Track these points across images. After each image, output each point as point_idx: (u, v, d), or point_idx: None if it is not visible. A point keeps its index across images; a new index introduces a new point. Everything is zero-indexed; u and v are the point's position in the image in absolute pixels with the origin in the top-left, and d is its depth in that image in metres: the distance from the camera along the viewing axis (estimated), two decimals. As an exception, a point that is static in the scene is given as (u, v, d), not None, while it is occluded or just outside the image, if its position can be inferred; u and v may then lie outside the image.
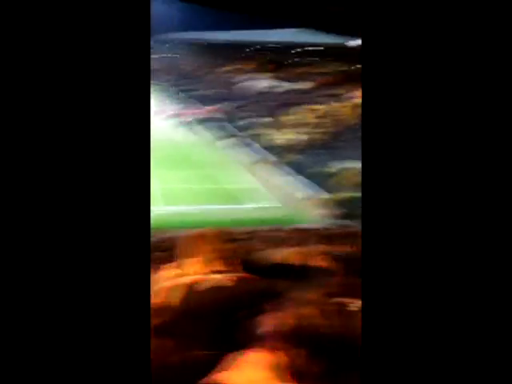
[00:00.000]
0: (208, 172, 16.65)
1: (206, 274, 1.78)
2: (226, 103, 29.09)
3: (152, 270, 2.18)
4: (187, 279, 1.76)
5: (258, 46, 27.29)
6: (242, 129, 22.97)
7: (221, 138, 23.16)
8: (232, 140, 22.22)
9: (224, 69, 41.12)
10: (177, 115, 28.50)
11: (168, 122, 26.35)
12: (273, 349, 1.06)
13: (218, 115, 27.12)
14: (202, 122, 26.92)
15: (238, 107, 27.23)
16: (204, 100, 32.93)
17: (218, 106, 29.17)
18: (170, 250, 3.33)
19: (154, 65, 52.22)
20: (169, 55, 48.01)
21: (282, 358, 1.02)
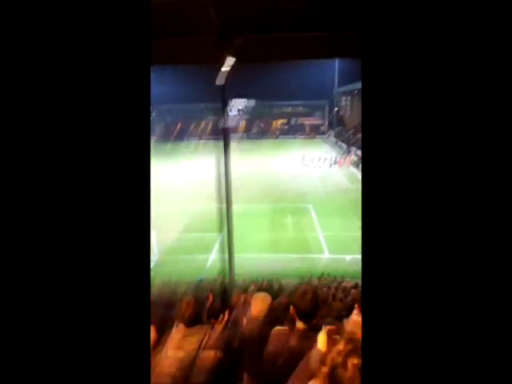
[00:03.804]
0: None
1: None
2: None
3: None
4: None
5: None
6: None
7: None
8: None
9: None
10: (355, 162, 28.86)
11: (348, 170, 26.94)
12: None
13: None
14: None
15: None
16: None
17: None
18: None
19: (329, 119, 53.62)
20: (344, 104, 50.27)
21: None
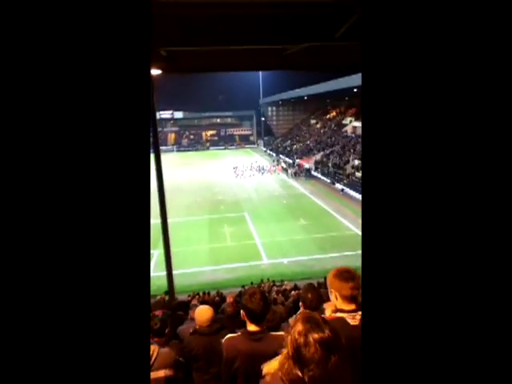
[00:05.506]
0: (316, 221, 16.66)
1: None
2: (329, 150, 29.41)
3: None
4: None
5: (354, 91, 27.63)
6: (350, 173, 22.66)
7: (329, 185, 23.20)
8: (340, 185, 22.00)
9: (323, 117, 42.23)
10: (285, 169, 30.05)
11: (278, 177, 27.87)
12: None
13: (323, 163, 27.47)
14: (309, 171, 27.61)
15: (343, 152, 27.19)
16: (307, 151, 34.12)
17: (321, 154, 29.74)
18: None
19: (257, 128, 54.99)
20: (270, 114, 52.32)
21: None
